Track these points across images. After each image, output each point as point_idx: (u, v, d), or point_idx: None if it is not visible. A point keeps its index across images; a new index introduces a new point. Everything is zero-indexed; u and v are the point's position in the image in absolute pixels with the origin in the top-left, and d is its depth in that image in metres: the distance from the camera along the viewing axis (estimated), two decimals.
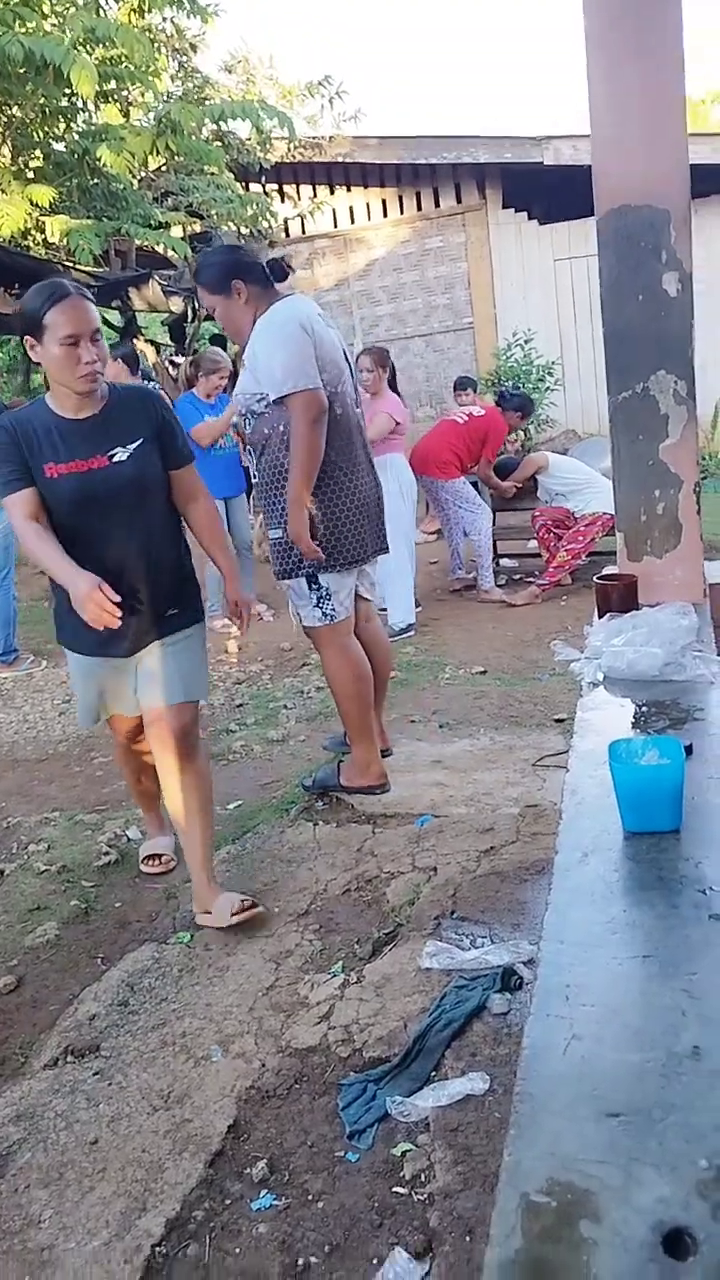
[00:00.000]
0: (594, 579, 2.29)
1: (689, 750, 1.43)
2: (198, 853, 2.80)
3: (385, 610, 5.93)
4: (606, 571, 2.35)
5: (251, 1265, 1.75)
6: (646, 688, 1.82)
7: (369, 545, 3.36)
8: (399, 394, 5.96)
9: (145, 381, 6.62)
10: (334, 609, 3.26)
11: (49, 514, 2.45)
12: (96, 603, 2.19)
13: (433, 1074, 2.11)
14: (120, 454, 2.49)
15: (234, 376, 6.58)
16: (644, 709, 1.71)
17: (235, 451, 6.35)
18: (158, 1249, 1.79)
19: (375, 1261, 1.72)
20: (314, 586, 3.24)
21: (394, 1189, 1.87)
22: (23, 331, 2.41)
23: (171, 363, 11.25)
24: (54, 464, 2.45)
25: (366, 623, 3.51)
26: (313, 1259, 1.75)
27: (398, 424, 5.75)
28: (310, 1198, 1.88)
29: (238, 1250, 1.79)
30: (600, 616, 2.20)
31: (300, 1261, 1.75)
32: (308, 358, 3.00)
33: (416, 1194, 1.85)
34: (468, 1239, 1.72)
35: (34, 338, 2.39)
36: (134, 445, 2.52)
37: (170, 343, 11.13)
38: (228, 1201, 1.90)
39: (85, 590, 2.20)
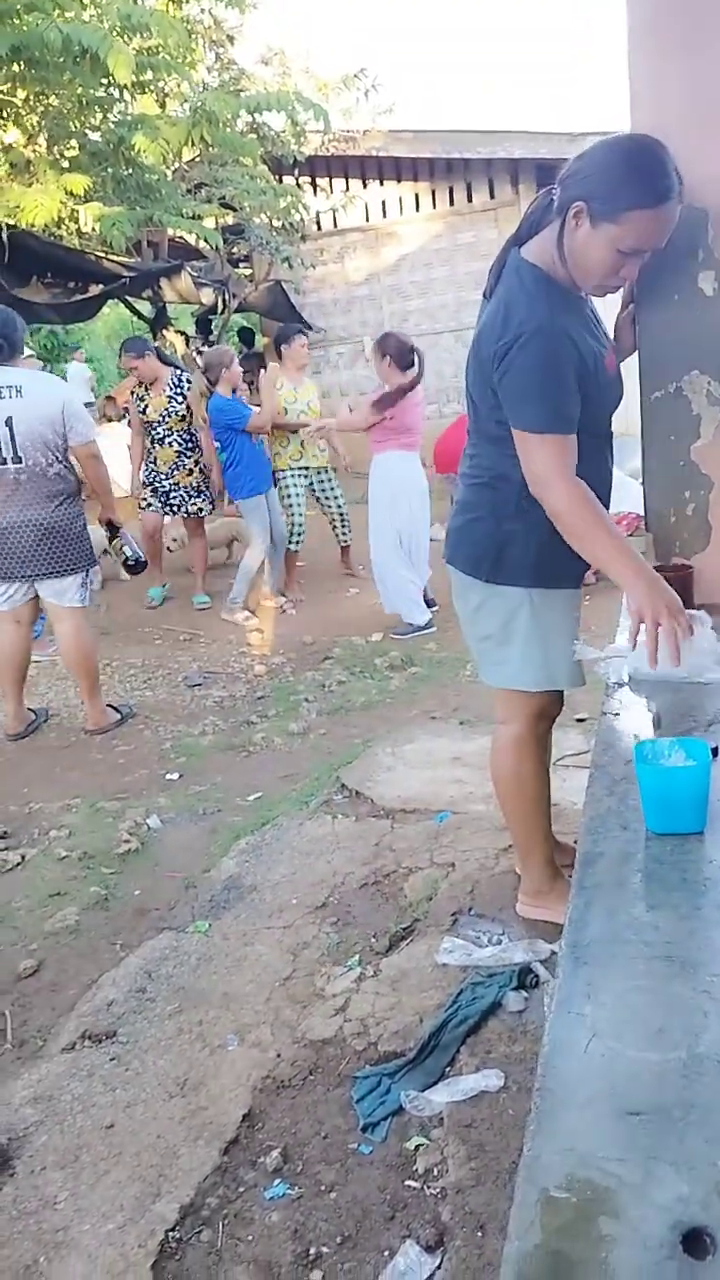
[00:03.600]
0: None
1: (715, 752, 1.42)
2: None
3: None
4: (657, 563, 2.32)
5: (263, 1253, 1.76)
6: (673, 690, 1.81)
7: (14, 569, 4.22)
8: (417, 384, 5.53)
9: (177, 372, 6.63)
10: None
11: None
12: None
13: (447, 1069, 2.12)
14: None
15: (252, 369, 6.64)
16: (670, 711, 1.70)
17: (263, 442, 6.39)
18: (171, 1234, 1.81)
19: (386, 1254, 1.73)
20: None
21: (406, 1182, 1.88)
22: None
23: (199, 353, 11.29)
24: None
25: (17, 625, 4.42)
26: (324, 1249, 1.76)
27: (388, 418, 5.50)
28: (323, 1188, 1.89)
29: (250, 1238, 1.80)
30: None
31: (312, 1251, 1.76)
32: None
33: (429, 1188, 1.86)
34: (479, 1234, 1.72)
35: None
36: None
37: (199, 335, 11.16)
38: (241, 1189, 1.91)
39: None
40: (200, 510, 6.77)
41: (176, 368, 6.66)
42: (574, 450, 2.02)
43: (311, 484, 6.68)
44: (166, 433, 6.56)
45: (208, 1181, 1.92)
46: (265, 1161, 1.96)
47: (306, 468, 6.59)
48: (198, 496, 6.73)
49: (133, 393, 6.73)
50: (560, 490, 1.99)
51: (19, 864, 3.32)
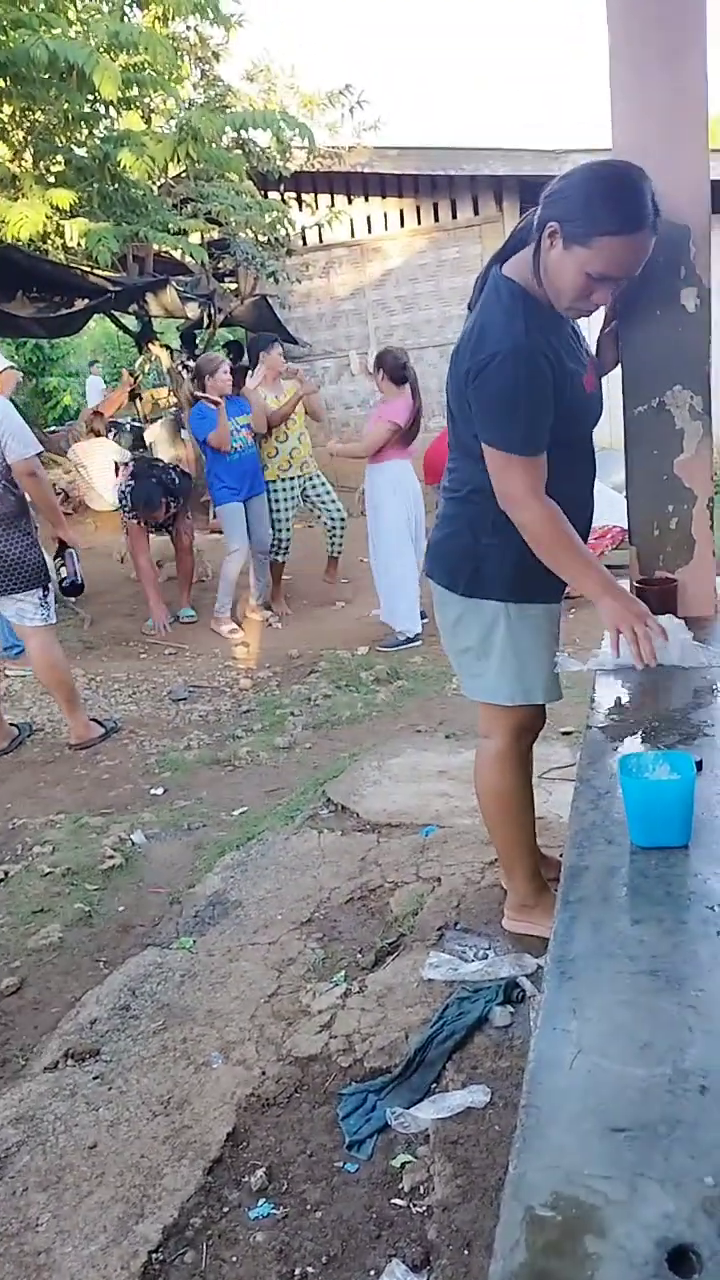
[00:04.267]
0: (634, 583, 2.27)
1: (700, 766, 1.42)
2: None
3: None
4: (641, 576, 2.33)
5: (248, 1274, 1.75)
6: (657, 698, 1.82)
7: None
8: (416, 393, 5.78)
9: (161, 385, 6.63)
10: None
11: None
12: None
13: (433, 1086, 2.11)
14: None
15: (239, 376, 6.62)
16: (655, 723, 1.71)
17: (253, 450, 6.38)
18: (155, 1255, 1.79)
19: (372, 1273, 1.71)
20: None
21: (392, 1200, 1.86)
22: None
23: (185, 367, 11.28)
24: None
25: None
26: (310, 1269, 1.74)
27: (396, 426, 5.63)
28: (308, 1207, 1.87)
29: (235, 1259, 1.78)
30: None
31: (297, 1271, 1.74)
32: None
33: (415, 1206, 1.84)
34: (465, 1252, 1.71)
35: None
36: None
37: (183, 349, 11.15)
38: (225, 1209, 1.89)
39: None
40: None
41: (162, 382, 6.66)
42: (544, 469, 2.06)
43: (304, 491, 6.68)
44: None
45: (192, 1201, 1.90)
46: (250, 1181, 1.94)
47: (294, 477, 6.60)
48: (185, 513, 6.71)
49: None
50: (529, 509, 2.06)
51: (1, 880, 3.29)
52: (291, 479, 6.59)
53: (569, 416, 2.10)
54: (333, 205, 12.01)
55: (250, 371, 6.75)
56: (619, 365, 2.28)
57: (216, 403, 6.09)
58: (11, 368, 6.39)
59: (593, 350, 2.31)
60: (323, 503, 6.71)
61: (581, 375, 2.15)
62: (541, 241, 1.95)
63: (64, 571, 4.52)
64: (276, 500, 6.59)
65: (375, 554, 5.91)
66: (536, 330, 2.00)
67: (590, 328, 2.26)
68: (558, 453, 2.08)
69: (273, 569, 6.78)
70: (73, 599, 6.06)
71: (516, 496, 2.07)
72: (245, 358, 12.91)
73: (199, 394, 6.29)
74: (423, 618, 6.04)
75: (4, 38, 6.86)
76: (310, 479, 6.67)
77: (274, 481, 6.55)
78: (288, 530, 6.67)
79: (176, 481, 6.59)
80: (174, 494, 6.51)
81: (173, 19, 9.11)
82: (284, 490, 6.59)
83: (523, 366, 1.98)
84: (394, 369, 5.71)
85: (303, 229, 11.90)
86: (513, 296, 2.02)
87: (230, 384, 6.23)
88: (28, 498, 4.28)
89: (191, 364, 9.84)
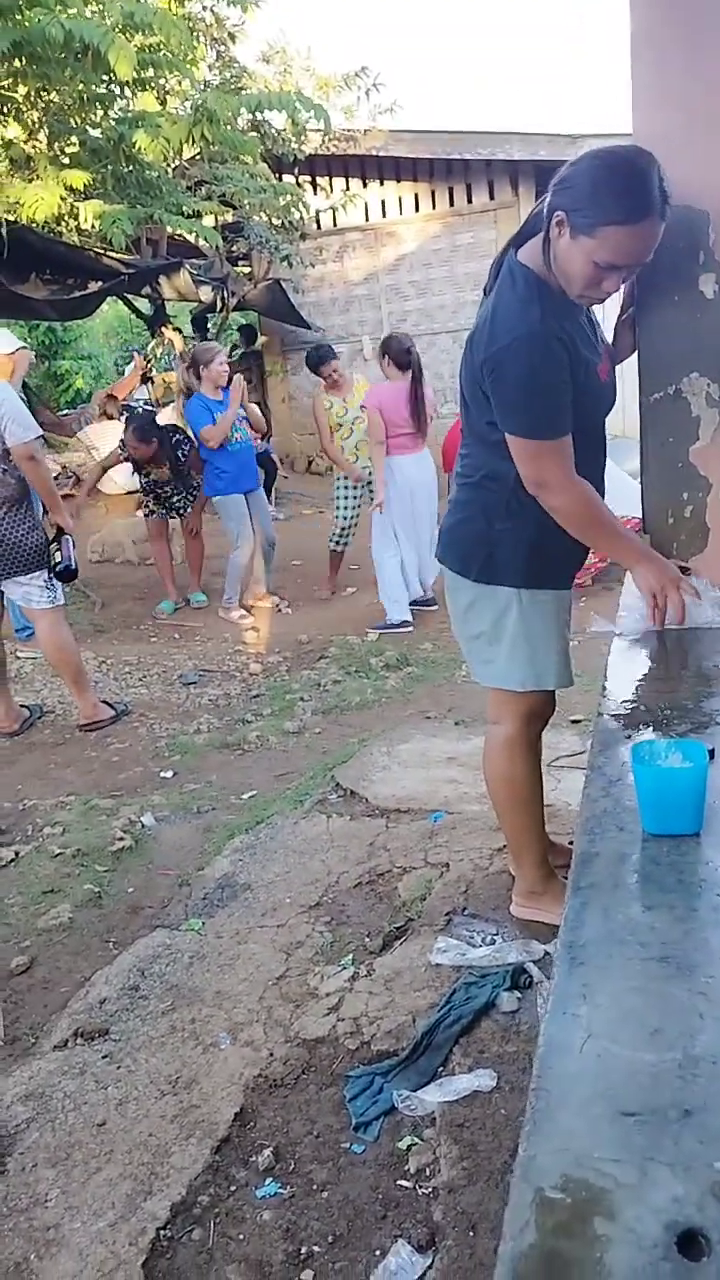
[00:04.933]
0: None
1: (712, 754, 1.42)
2: None
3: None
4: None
5: (255, 1252, 1.76)
6: (669, 686, 1.81)
7: None
8: (418, 380, 5.69)
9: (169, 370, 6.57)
10: None
11: None
12: None
13: (440, 1069, 2.12)
14: None
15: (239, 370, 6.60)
16: (667, 711, 1.70)
17: (250, 444, 6.36)
18: (162, 1232, 1.80)
19: (378, 1253, 1.73)
20: None
21: (398, 1182, 1.87)
22: None
23: None
24: None
25: None
26: (316, 1248, 1.76)
27: (375, 410, 5.57)
28: (315, 1187, 1.89)
29: (241, 1236, 1.80)
30: None
31: (304, 1250, 1.76)
32: None
33: (421, 1188, 1.85)
34: (471, 1234, 1.72)
35: None
36: None
37: (194, 333, 11.14)
38: (233, 1188, 1.91)
39: None
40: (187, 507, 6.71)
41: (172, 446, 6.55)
42: (570, 449, 2.05)
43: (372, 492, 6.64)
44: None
45: (199, 1180, 1.92)
46: (257, 1160, 1.96)
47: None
48: (196, 497, 6.67)
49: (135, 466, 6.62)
50: (565, 492, 2.07)
51: (12, 861, 3.31)
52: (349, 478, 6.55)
53: (583, 404, 2.09)
54: (347, 189, 11.96)
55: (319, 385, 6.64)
56: (635, 352, 2.27)
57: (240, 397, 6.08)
58: (24, 348, 6.39)
59: (609, 337, 2.29)
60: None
61: (596, 363, 2.14)
62: (550, 230, 1.94)
63: (59, 556, 4.49)
64: (336, 492, 6.59)
65: (374, 543, 5.93)
66: (551, 316, 1.99)
67: (606, 315, 2.25)
68: (573, 440, 2.07)
69: (330, 556, 6.81)
70: (71, 583, 6.05)
71: (548, 482, 2.07)
72: (256, 341, 12.93)
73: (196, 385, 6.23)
74: (432, 604, 6.05)
75: (20, 16, 6.82)
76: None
77: (337, 476, 6.58)
78: (345, 520, 6.59)
79: (175, 439, 6.53)
80: (167, 447, 6.45)
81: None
82: (341, 483, 6.55)
83: (538, 352, 1.97)
84: (398, 353, 5.65)
85: (317, 213, 11.85)
86: (527, 283, 2.01)
87: (226, 375, 6.17)
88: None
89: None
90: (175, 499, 6.60)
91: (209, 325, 11.63)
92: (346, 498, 6.56)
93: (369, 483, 6.29)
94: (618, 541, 2.15)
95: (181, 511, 6.67)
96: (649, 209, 1.81)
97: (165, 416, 9.44)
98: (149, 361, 10.82)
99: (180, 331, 10.79)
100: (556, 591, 2.35)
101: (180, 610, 6.71)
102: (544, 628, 2.34)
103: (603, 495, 2.33)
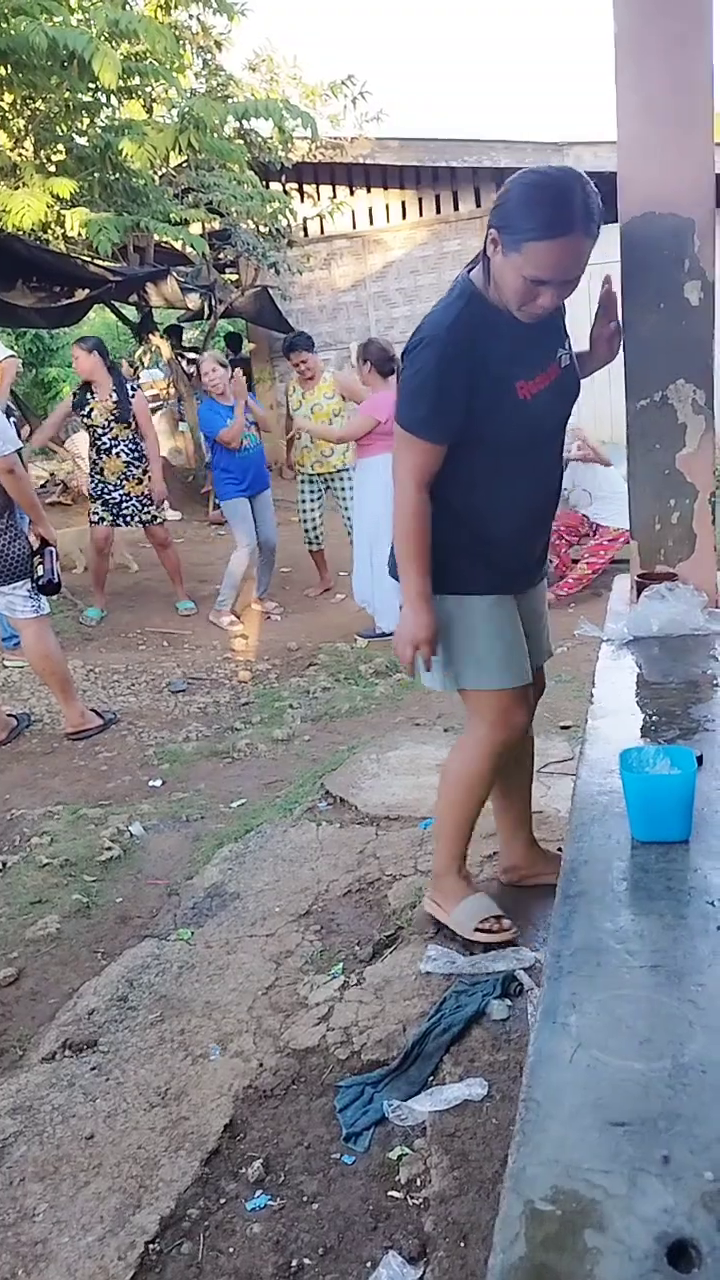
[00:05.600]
0: (635, 577, 2.29)
1: (700, 761, 1.42)
2: None
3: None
4: (642, 570, 2.34)
5: (245, 1265, 1.75)
6: (657, 693, 1.81)
7: None
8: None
9: (123, 379, 6.46)
10: None
11: None
12: None
13: (430, 1078, 2.11)
14: None
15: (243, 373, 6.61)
16: (655, 718, 1.71)
17: (260, 447, 6.38)
18: (152, 1246, 1.79)
19: (369, 1265, 1.72)
20: None
21: (389, 1192, 1.86)
22: None
23: (182, 357, 11.25)
24: None
25: None
26: (306, 1260, 1.75)
27: (376, 422, 5.51)
28: (305, 1199, 1.88)
29: (231, 1250, 1.78)
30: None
31: (294, 1262, 1.74)
32: None
33: (411, 1198, 1.84)
34: (462, 1244, 1.71)
35: None
36: None
37: (171, 343, 11.10)
38: (223, 1201, 1.89)
39: None
40: (155, 518, 6.55)
41: (121, 379, 6.46)
42: (435, 461, 2.15)
43: (329, 487, 6.69)
44: (112, 442, 6.32)
45: (189, 1192, 1.90)
46: (247, 1172, 1.94)
47: (314, 475, 6.60)
48: (150, 505, 6.49)
49: (74, 394, 6.48)
50: (405, 491, 2.19)
51: None
52: (310, 476, 6.62)
53: (498, 422, 2.12)
54: (334, 196, 11.98)
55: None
56: (620, 359, 2.28)
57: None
58: (12, 356, 6.36)
59: (566, 360, 2.26)
60: (343, 500, 6.61)
61: (519, 382, 2.12)
62: (487, 247, 2.01)
63: (41, 569, 4.45)
64: (299, 492, 6.71)
65: (355, 548, 5.92)
66: (467, 327, 2.06)
67: (579, 327, 2.24)
68: (485, 457, 2.14)
69: (312, 554, 6.93)
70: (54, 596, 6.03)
71: (399, 475, 2.19)
72: (242, 349, 12.93)
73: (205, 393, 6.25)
74: None
75: (5, 25, 6.82)
76: (333, 477, 6.59)
77: (298, 476, 6.69)
78: (311, 521, 6.72)
79: (124, 380, 6.43)
80: (117, 375, 6.37)
81: (175, 7, 9.08)
82: (303, 484, 6.66)
83: (435, 357, 2.07)
84: (381, 360, 5.53)
85: (304, 220, 11.87)
86: (460, 295, 2.10)
87: (220, 380, 6.18)
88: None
89: (194, 355, 9.83)
90: (125, 507, 6.43)
91: (184, 336, 11.63)
92: (305, 496, 6.68)
93: (326, 477, 6.54)
94: (411, 569, 2.21)
95: (129, 521, 6.51)
96: (569, 225, 1.87)
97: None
98: (136, 369, 10.82)
99: (167, 339, 10.79)
100: (496, 596, 2.32)
101: (170, 617, 6.70)
102: (483, 629, 2.32)
103: (551, 516, 2.37)
